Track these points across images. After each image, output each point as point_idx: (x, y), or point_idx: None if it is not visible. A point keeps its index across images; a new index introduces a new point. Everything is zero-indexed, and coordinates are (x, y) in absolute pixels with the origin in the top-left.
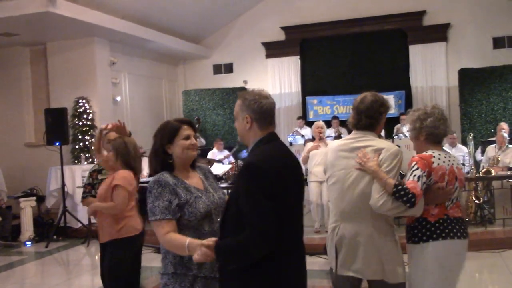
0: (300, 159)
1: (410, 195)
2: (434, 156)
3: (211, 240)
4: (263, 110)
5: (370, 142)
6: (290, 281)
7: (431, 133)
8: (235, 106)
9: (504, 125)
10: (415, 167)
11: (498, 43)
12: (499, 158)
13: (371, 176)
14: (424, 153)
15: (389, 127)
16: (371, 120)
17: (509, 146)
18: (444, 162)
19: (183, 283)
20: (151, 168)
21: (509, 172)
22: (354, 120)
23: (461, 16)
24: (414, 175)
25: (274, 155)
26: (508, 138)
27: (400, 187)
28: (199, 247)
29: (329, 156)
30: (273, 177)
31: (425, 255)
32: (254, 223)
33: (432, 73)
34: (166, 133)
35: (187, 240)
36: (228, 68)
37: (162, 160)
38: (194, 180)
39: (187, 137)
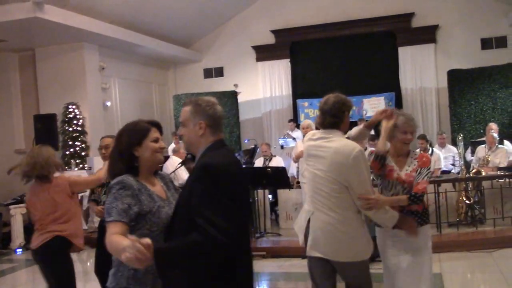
0: (293, 157)
1: (421, 197)
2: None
3: (149, 240)
4: (217, 116)
5: (333, 143)
6: (244, 281)
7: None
8: (183, 112)
9: (493, 126)
10: (428, 167)
11: (486, 44)
12: (489, 159)
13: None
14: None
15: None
16: (335, 119)
17: (499, 147)
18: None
19: None
20: (111, 169)
21: (499, 172)
22: (320, 120)
23: (449, 17)
24: (427, 175)
25: (229, 159)
26: (498, 138)
27: (414, 197)
28: (132, 244)
29: (304, 154)
30: (228, 177)
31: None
32: (218, 223)
33: (422, 74)
34: (135, 134)
35: (126, 241)
36: (219, 72)
37: (127, 162)
38: (157, 188)
39: (156, 140)
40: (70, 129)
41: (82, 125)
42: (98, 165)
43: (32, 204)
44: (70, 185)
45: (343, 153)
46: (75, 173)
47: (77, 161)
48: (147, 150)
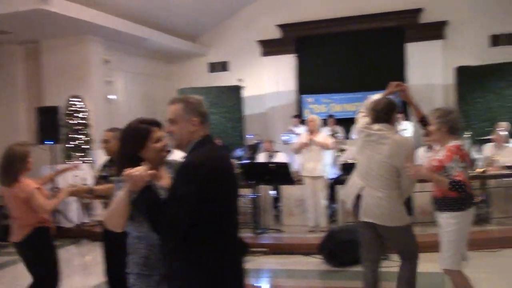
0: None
1: (463, 186)
2: (461, 145)
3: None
4: (206, 113)
5: (394, 136)
6: (230, 276)
7: (452, 127)
8: (173, 109)
9: (504, 124)
10: (459, 160)
11: (496, 40)
12: (495, 158)
13: (384, 162)
14: (453, 143)
15: None
16: (387, 116)
17: (507, 145)
18: (465, 148)
19: (149, 284)
20: (120, 172)
21: (504, 171)
22: (374, 117)
23: (458, 13)
24: (461, 167)
25: (213, 156)
26: (506, 136)
27: (454, 183)
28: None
29: (359, 139)
30: (210, 177)
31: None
32: (174, 219)
33: (429, 71)
34: (137, 138)
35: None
36: (224, 67)
37: (134, 165)
38: (165, 180)
39: (158, 139)
40: (73, 122)
41: (86, 118)
42: (101, 158)
43: (6, 198)
44: (28, 199)
45: (404, 146)
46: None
47: (80, 154)
48: (151, 151)
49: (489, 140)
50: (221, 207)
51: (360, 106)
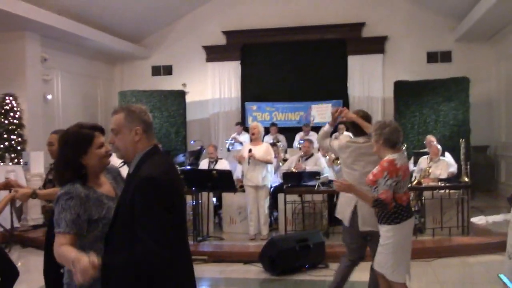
0: (236, 157)
1: (385, 205)
2: (395, 159)
3: (95, 258)
4: (150, 122)
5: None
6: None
7: (387, 139)
8: (115, 119)
9: (431, 137)
10: (388, 176)
11: (432, 57)
12: (430, 170)
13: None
14: (387, 158)
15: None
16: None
17: (441, 158)
18: (403, 161)
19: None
20: (59, 179)
21: (439, 183)
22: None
23: (398, 30)
24: (388, 185)
25: (167, 167)
26: (441, 150)
27: (377, 201)
28: (77, 259)
29: (348, 151)
30: (169, 189)
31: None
32: (159, 238)
33: (369, 83)
34: (80, 144)
35: (73, 253)
36: (167, 70)
37: (74, 172)
38: (106, 187)
39: (101, 145)
40: (6, 121)
41: (20, 118)
42: (35, 159)
43: None
44: None
45: None
46: (9, 168)
47: (12, 155)
48: (94, 157)
49: (424, 153)
50: (177, 218)
51: (303, 115)
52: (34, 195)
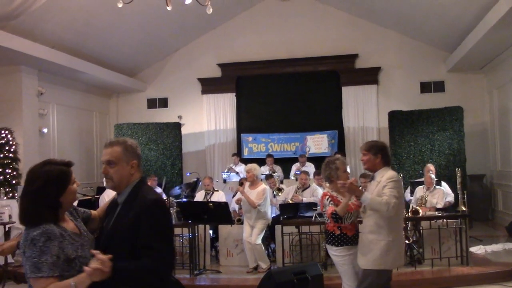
0: (234, 199)
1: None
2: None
3: (107, 256)
4: (140, 156)
5: None
6: None
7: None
8: (113, 152)
9: (431, 166)
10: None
11: (425, 88)
12: (427, 198)
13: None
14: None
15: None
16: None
17: (437, 187)
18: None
19: None
20: (36, 220)
21: (437, 213)
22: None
23: (391, 61)
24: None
25: (159, 194)
26: (435, 179)
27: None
28: (94, 260)
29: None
30: (169, 211)
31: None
32: (166, 255)
33: (364, 114)
34: (62, 182)
35: (71, 280)
36: (163, 103)
37: (54, 212)
38: (70, 224)
39: (74, 181)
40: (1, 155)
41: (15, 152)
42: None
43: None
44: None
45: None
46: (4, 202)
47: (7, 189)
48: (70, 194)
49: (420, 183)
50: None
51: (299, 146)
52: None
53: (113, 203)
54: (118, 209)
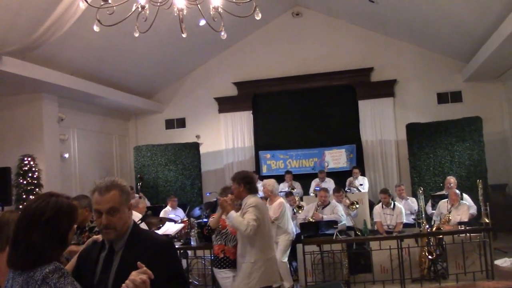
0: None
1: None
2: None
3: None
4: None
5: None
6: None
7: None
8: (112, 197)
9: (451, 179)
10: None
11: (442, 98)
12: (450, 217)
13: None
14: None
15: (342, 181)
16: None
17: (461, 203)
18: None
19: None
20: (44, 258)
21: (459, 227)
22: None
23: (406, 73)
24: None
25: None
26: (460, 194)
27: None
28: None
29: None
30: None
31: None
32: (184, 280)
33: (381, 127)
34: (73, 216)
35: None
36: (181, 123)
37: (64, 249)
38: (64, 263)
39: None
40: (25, 182)
41: (38, 178)
42: None
43: None
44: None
45: None
46: None
47: None
48: (72, 232)
49: (442, 195)
50: None
51: (317, 162)
52: None
53: (95, 251)
54: (118, 256)
